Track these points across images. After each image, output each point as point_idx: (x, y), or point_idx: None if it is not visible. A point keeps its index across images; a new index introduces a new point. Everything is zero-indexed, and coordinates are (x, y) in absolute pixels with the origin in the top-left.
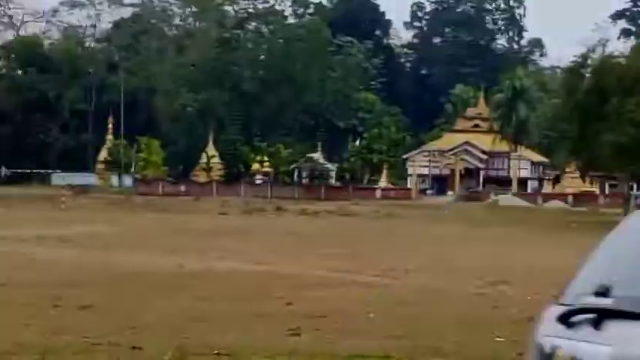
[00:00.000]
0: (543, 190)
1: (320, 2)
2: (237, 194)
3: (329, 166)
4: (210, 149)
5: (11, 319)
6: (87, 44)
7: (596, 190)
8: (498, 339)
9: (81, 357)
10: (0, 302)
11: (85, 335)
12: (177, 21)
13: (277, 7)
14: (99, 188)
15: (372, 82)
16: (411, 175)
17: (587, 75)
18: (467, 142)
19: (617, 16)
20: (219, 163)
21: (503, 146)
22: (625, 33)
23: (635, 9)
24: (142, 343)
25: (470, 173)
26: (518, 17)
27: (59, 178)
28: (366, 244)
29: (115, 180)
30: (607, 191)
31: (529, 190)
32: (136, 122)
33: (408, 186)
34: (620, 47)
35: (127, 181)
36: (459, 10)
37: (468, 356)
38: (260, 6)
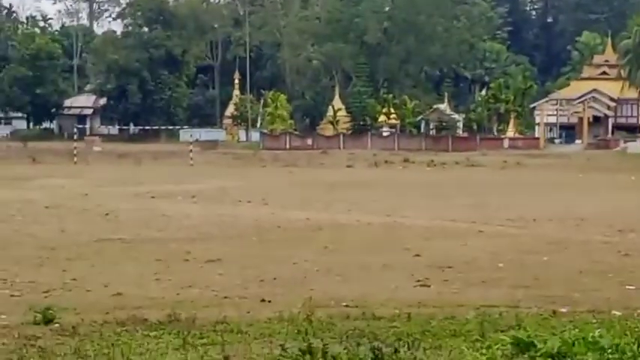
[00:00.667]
0: None
1: None
2: (364, 147)
3: (455, 116)
4: (337, 102)
5: (142, 275)
6: (211, 0)
7: None
8: (629, 287)
9: (211, 310)
10: (131, 258)
11: (214, 289)
12: None
13: None
14: (226, 143)
15: (498, 32)
16: (538, 124)
17: None
18: (595, 90)
19: None
20: (345, 115)
21: (632, 93)
22: None
23: None
24: (270, 295)
25: (598, 121)
26: None
27: (187, 134)
28: (493, 195)
29: (242, 135)
30: None
31: None
32: (262, 77)
33: (536, 135)
34: None
35: (255, 135)
36: None
37: (598, 305)
38: None
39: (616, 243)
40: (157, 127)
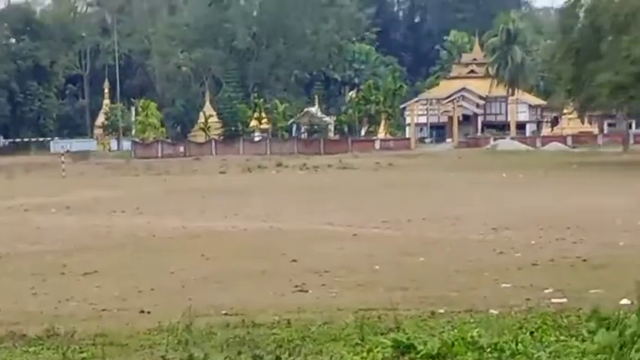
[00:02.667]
0: (542, 133)
1: None
2: (237, 152)
3: (327, 119)
4: (208, 108)
5: (18, 289)
6: (79, 9)
7: (595, 130)
8: (505, 285)
9: (90, 323)
10: (5, 273)
11: (92, 301)
12: None
13: None
14: (98, 153)
15: (366, 33)
16: (409, 124)
17: (581, 14)
18: (464, 89)
19: None
20: (217, 121)
21: (501, 91)
22: None
23: None
24: (149, 306)
25: (468, 119)
26: None
27: (58, 145)
28: (367, 197)
29: (113, 144)
30: (606, 131)
31: (528, 134)
32: (132, 85)
33: (407, 135)
34: None
35: (126, 144)
36: None
37: (475, 304)
38: None
39: (491, 241)
40: (27, 139)
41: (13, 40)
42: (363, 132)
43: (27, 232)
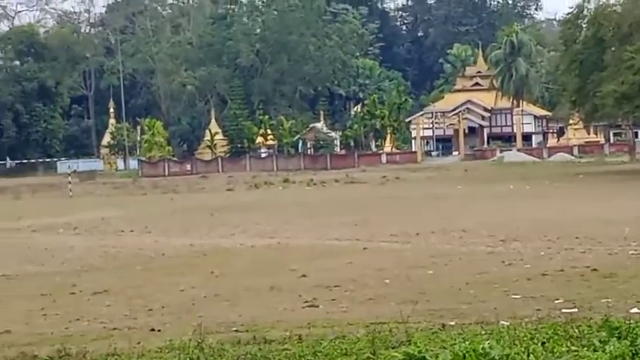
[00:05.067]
0: (548, 144)
1: None
2: (243, 169)
3: (332, 134)
4: (213, 126)
5: (28, 310)
6: (82, 30)
7: (601, 139)
8: (514, 296)
9: (101, 343)
10: (16, 294)
11: (103, 320)
12: (170, 0)
13: None
14: (105, 173)
15: (370, 48)
16: (415, 137)
17: (584, 25)
18: (469, 101)
19: None
20: (222, 139)
21: (505, 103)
22: None
23: None
24: (159, 324)
25: (473, 132)
26: None
27: (64, 165)
28: (376, 211)
29: (120, 163)
30: (612, 140)
31: (534, 145)
32: (137, 104)
33: (413, 149)
34: None
35: (133, 163)
36: None
37: (486, 316)
38: None
39: (499, 253)
40: (34, 160)
41: (17, 63)
42: (373, 146)
43: (35, 253)
